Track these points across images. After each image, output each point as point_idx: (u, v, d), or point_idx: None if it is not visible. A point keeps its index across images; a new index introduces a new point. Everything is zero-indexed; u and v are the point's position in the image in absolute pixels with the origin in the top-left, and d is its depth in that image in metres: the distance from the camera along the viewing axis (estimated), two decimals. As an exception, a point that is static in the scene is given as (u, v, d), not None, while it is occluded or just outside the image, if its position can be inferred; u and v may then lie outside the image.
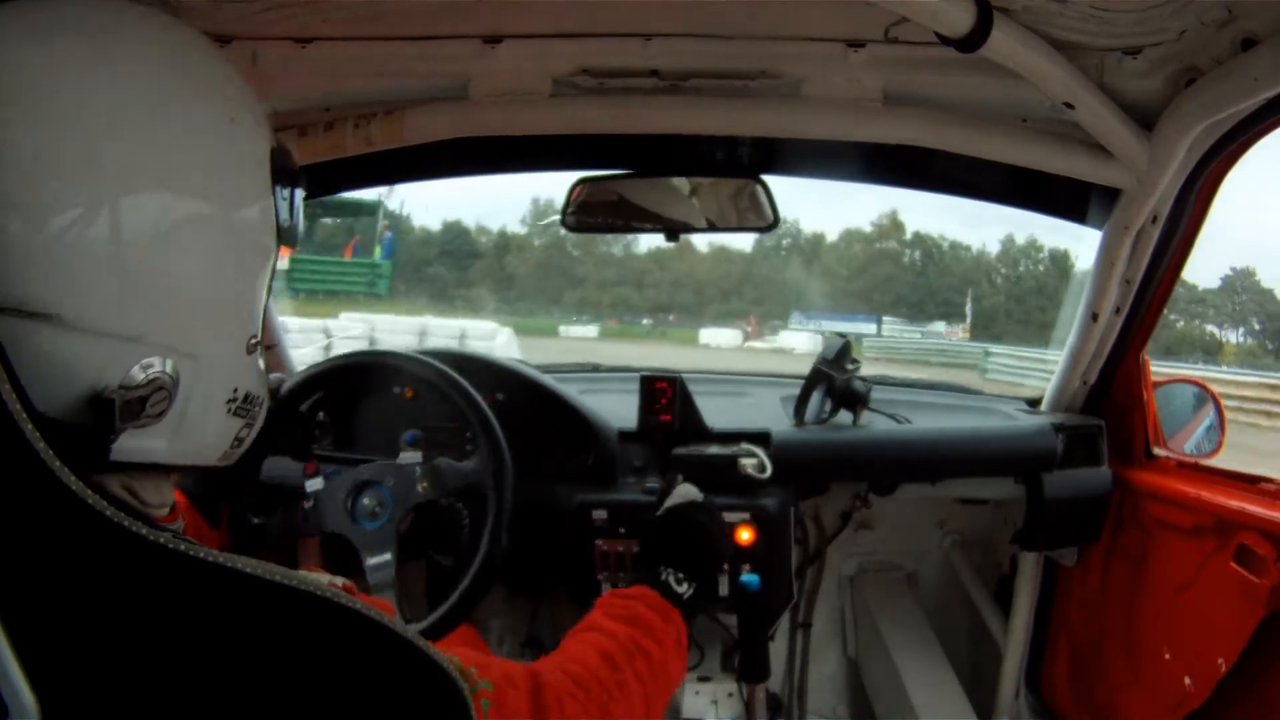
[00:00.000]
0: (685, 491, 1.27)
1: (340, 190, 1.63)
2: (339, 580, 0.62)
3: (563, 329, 24.82)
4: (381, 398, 1.57)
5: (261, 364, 0.72)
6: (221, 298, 0.63)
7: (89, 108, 0.55)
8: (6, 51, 0.54)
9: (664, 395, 1.64)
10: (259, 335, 0.69)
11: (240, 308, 0.66)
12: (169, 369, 0.59)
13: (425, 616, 1.28)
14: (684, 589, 1.05)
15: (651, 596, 1.00)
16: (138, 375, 0.58)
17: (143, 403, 0.58)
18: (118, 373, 0.57)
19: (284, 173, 0.68)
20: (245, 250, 0.65)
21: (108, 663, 0.49)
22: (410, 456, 1.38)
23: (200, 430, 0.65)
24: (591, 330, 25.78)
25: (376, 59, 1.27)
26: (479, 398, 1.39)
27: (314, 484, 1.34)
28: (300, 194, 0.72)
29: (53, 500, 0.48)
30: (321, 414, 1.54)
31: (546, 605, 1.90)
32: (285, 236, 0.69)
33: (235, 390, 0.66)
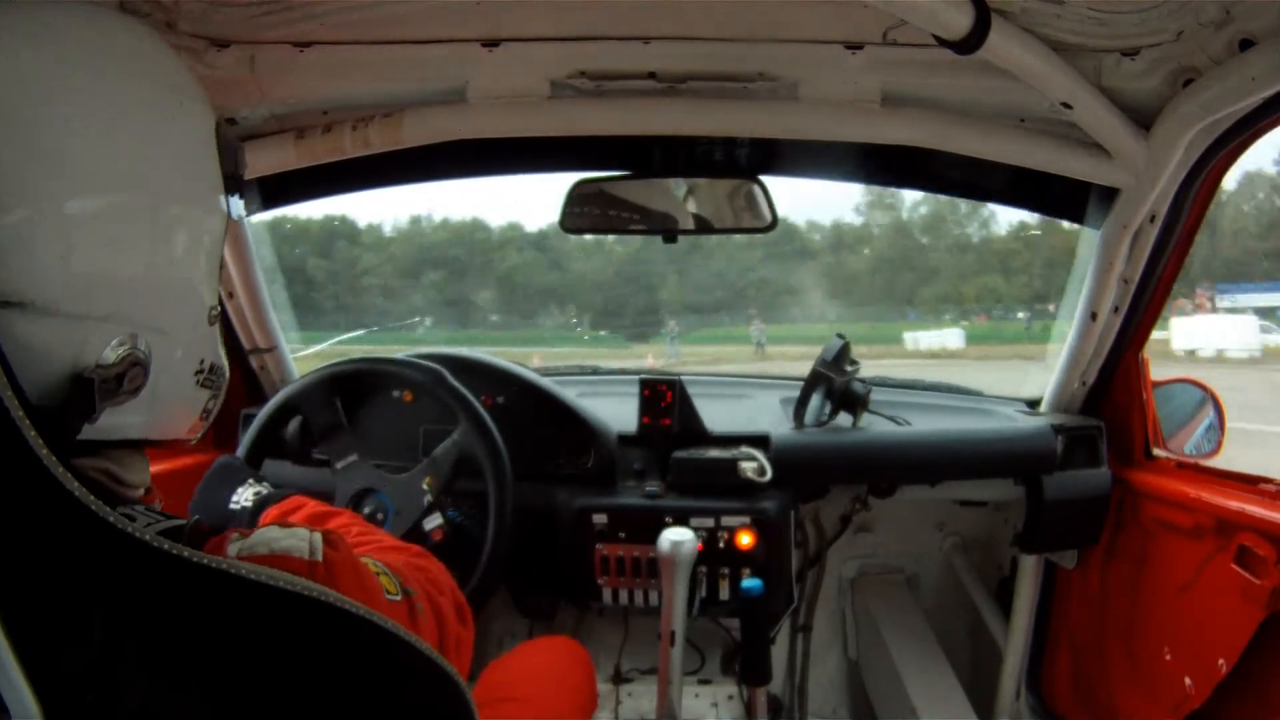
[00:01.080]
0: None
1: (338, 193, 1.63)
2: (318, 537, 0.62)
3: (909, 336, 18.06)
4: (381, 402, 1.57)
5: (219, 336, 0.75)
6: (183, 273, 0.65)
7: (46, 104, 0.57)
8: None
9: (663, 398, 1.64)
10: (219, 307, 0.71)
11: (201, 281, 0.68)
12: (141, 345, 0.61)
13: None
14: None
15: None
16: (111, 354, 0.59)
17: (120, 379, 0.59)
18: (93, 353, 0.58)
19: (227, 148, 0.71)
20: (202, 226, 0.68)
21: (101, 661, 0.49)
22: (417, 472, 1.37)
23: (172, 403, 0.67)
24: (953, 336, 17.96)
25: (374, 62, 1.27)
26: (473, 400, 1.39)
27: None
28: (243, 169, 0.75)
29: (41, 490, 0.48)
30: (320, 420, 1.54)
31: (547, 608, 1.89)
32: (230, 210, 0.72)
33: (202, 362, 0.69)
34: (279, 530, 0.62)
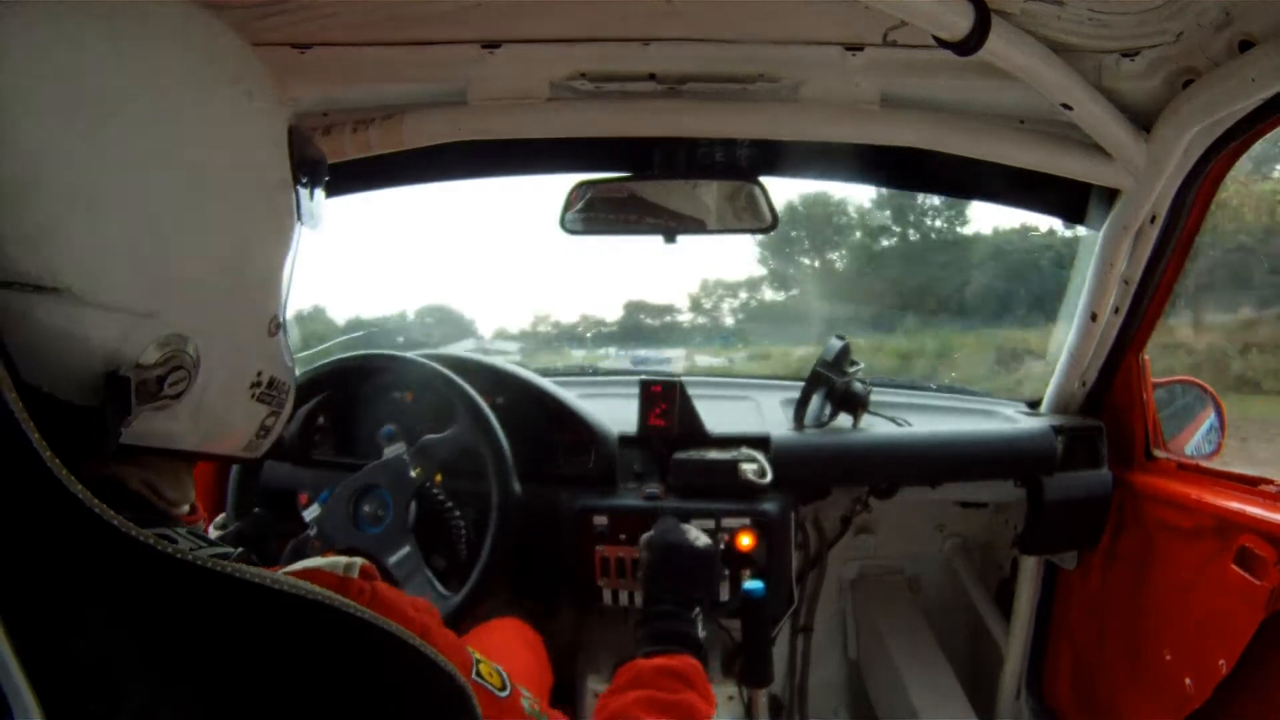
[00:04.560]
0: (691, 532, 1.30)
1: (337, 194, 1.63)
2: (356, 563, 0.60)
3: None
4: (382, 402, 1.57)
5: (287, 347, 0.70)
6: (239, 276, 0.61)
7: (99, 86, 0.53)
8: (12, 30, 0.52)
9: (664, 399, 1.64)
10: (281, 317, 0.67)
11: (260, 288, 0.64)
12: (187, 348, 0.57)
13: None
14: (704, 632, 1.08)
15: (695, 672, 0.98)
16: (154, 354, 0.55)
17: (160, 382, 0.56)
18: (133, 350, 0.55)
19: (303, 152, 0.68)
20: (263, 228, 0.64)
21: (105, 668, 0.47)
22: (394, 449, 1.38)
23: (222, 415, 0.63)
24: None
25: (375, 64, 1.27)
26: (478, 397, 1.39)
27: (311, 512, 1.35)
28: (323, 175, 0.71)
29: (46, 495, 0.46)
30: (321, 418, 1.54)
31: (547, 611, 1.89)
32: (304, 218, 0.68)
33: (259, 374, 0.65)
34: (319, 559, 0.60)
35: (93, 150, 0.53)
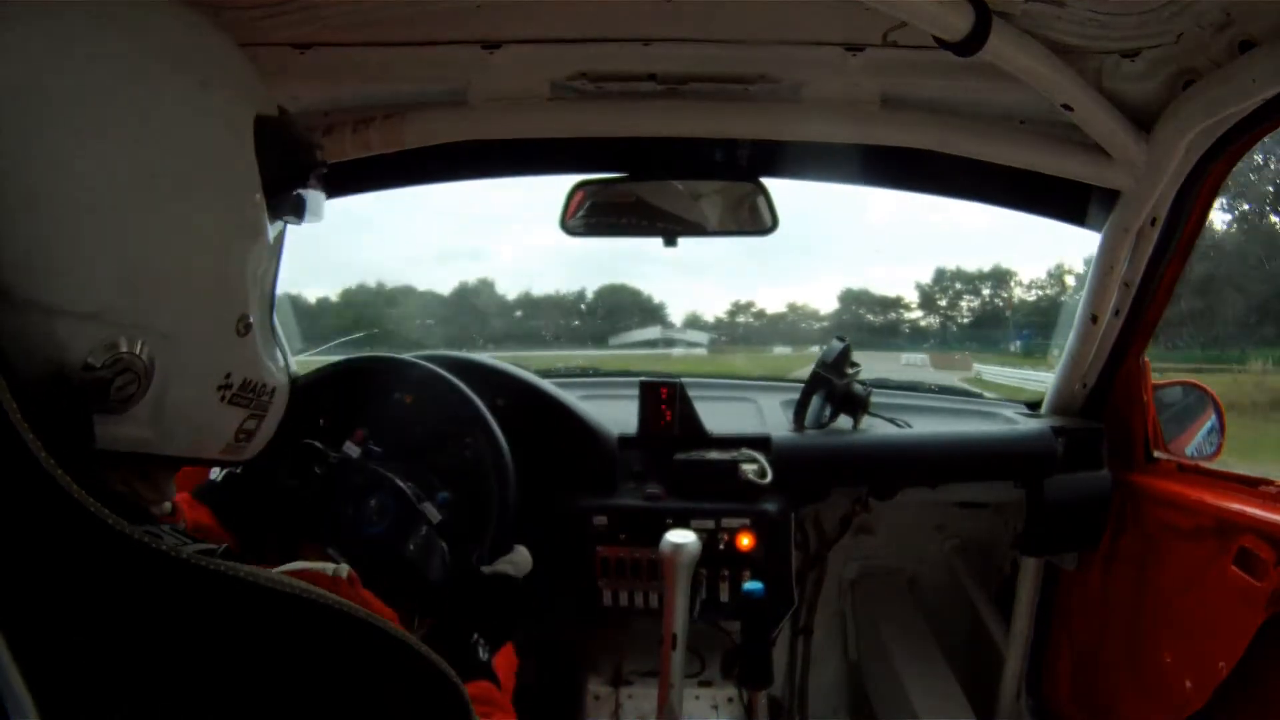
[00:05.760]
0: (523, 560, 1.27)
1: (336, 196, 1.63)
2: (344, 569, 0.60)
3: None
4: (383, 403, 1.57)
5: (273, 349, 0.68)
6: (194, 273, 0.58)
7: (34, 81, 0.51)
8: None
9: (664, 400, 1.64)
10: (252, 315, 0.63)
11: (221, 284, 0.60)
12: (139, 350, 0.55)
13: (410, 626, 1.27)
14: (487, 658, 1.02)
15: (490, 692, 0.94)
16: (100, 356, 0.53)
17: (107, 385, 0.53)
18: (77, 354, 0.52)
19: (274, 142, 0.64)
20: (221, 224, 0.60)
21: (99, 664, 0.47)
22: (431, 513, 1.33)
23: (187, 419, 0.60)
24: None
25: (376, 64, 1.27)
26: (476, 399, 1.38)
27: (351, 450, 1.31)
28: (308, 168, 0.68)
29: (40, 492, 0.45)
30: (321, 420, 1.54)
31: (547, 612, 1.89)
32: (278, 210, 0.66)
33: (227, 376, 0.62)
34: (310, 562, 0.59)
35: (28, 149, 0.51)
